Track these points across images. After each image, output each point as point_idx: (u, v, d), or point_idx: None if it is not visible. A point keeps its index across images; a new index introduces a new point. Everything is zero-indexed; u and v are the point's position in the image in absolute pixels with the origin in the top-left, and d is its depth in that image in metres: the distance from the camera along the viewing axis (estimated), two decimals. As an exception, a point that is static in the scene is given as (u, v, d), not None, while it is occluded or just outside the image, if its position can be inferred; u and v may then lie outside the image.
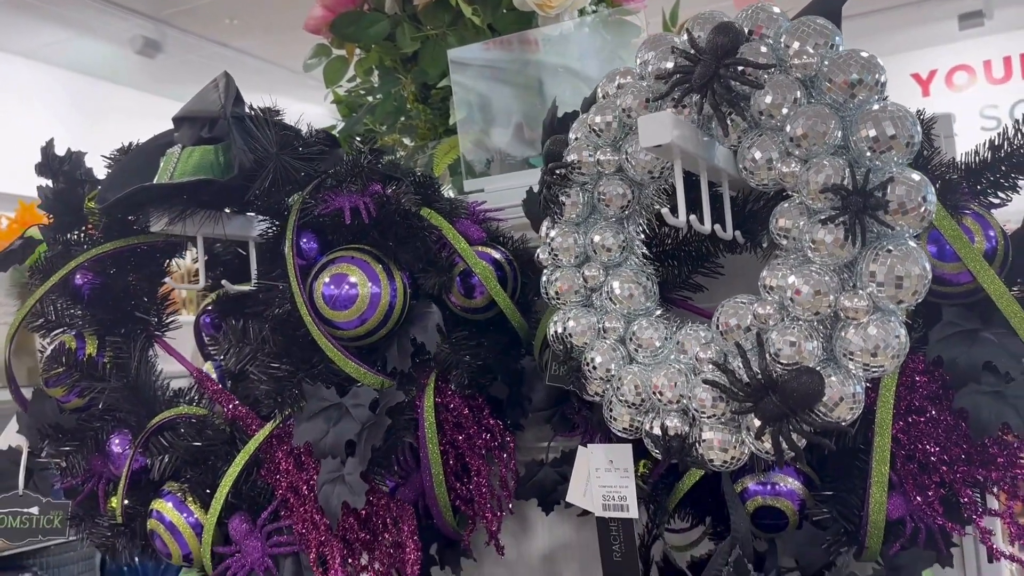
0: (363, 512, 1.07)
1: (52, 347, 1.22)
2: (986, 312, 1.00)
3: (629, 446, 1.09)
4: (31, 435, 1.25)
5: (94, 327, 1.24)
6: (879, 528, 1.03)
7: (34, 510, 1.24)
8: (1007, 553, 1.03)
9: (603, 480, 1.11)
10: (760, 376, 0.82)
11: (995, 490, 1.02)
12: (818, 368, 0.82)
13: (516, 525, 1.47)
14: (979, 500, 1.02)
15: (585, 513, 1.23)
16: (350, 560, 1.04)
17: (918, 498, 1.02)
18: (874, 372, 0.83)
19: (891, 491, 1.03)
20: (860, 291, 0.80)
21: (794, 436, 0.83)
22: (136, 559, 3.50)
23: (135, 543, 1.18)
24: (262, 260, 1.25)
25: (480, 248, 1.28)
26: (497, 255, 1.29)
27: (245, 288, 1.25)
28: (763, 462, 1.07)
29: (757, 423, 0.85)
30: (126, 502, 1.17)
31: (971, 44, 5.94)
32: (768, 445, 0.86)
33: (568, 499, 1.15)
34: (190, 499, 1.13)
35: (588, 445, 1.12)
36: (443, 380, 1.24)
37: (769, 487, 1.08)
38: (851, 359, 0.82)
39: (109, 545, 1.19)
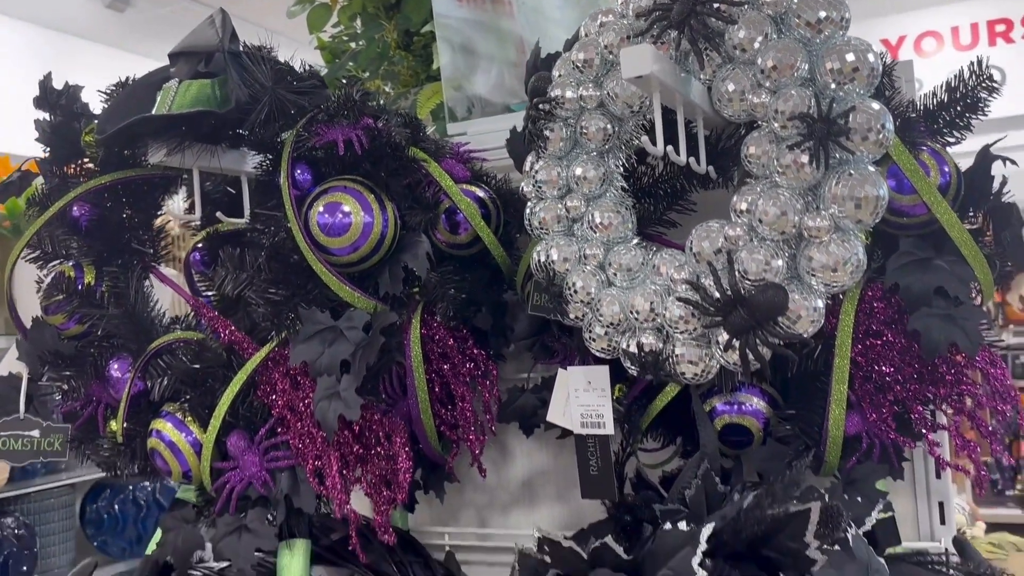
0: (357, 427, 1.13)
1: (51, 276, 1.26)
2: (939, 242, 1.08)
3: (606, 368, 1.16)
4: (31, 361, 1.29)
5: (91, 258, 1.29)
6: (837, 444, 1.11)
7: (35, 433, 1.29)
8: (953, 464, 1.12)
9: (581, 400, 1.18)
10: (729, 292, 0.89)
11: (943, 407, 1.10)
12: (783, 284, 0.89)
13: (497, 453, 1.55)
14: (929, 416, 1.11)
15: (564, 435, 1.31)
16: (345, 471, 1.10)
17: (873, 415, 1.11)
18: (834, 288, 0.91)
19: (849, 409, 1.11)
20: (823, 212, 0.87)
21: (760, 348, 0.90)
22: (116, 507, 3.57)
23: (135, 462, 1.23)
24: (253, 197, 1.30)
25: (465, 186, 1.33)
26: (481, 193, 1.34)
27: (239, 222, 1.29)
28: (731, 383, 1.15)
29: (725, 337, 0.93)
30: (126, 424, 1.22)
31: (940, 11, 6.04)
32: (735, 357, 0.94)
33: (548, 419, 1.22)
34: (189, 419, 1.18)
35: (568, 368, 1.19)
36: (429, 313, 1.30)
37: (736, 407, 1.16)
38: (813, 275, 0.89)
39: (110, 464, 1.24)
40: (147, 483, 3.57)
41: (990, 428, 1.08)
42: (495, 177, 1.40)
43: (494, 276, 1.37)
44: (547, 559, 1.06)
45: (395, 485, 1.14)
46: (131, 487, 3.53)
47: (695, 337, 0.98)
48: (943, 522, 1.25)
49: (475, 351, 1.34)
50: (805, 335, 0.92)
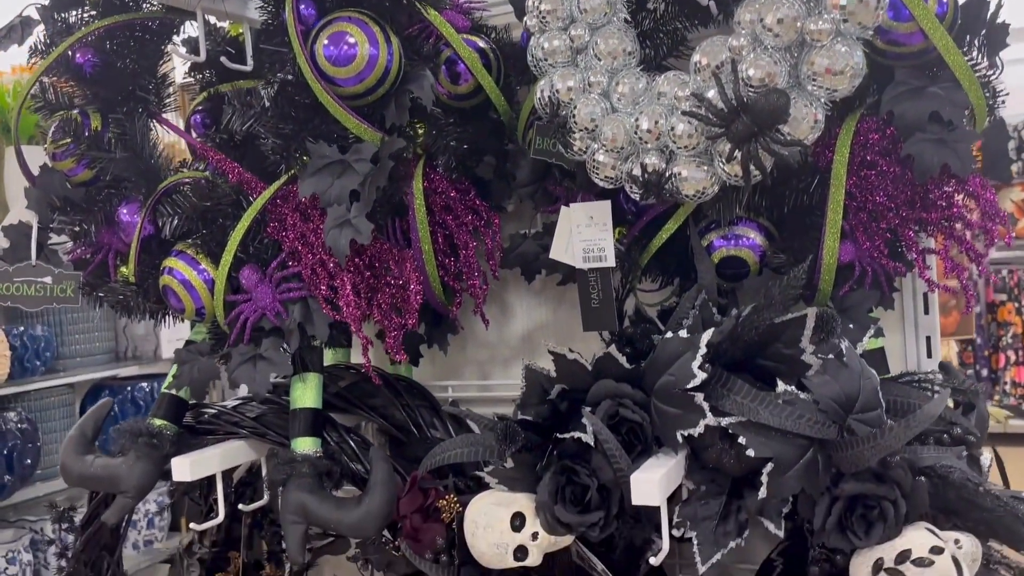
0: (367, 256, 1.16)
1: (58, 120, 1.27)
2: (934, 71, 1.10)
3: (607, 202, 1.20)
4: (40, 208, 1.31)
5: (97, 104, 1.29)
6: (831, 271, 1.15)
7: (47, 280, 1.31)
8: (941, 285, 1.16)
9: (584, 235, 1.21)
10: (733, 99, 0.91)
11: (934, 232, 1.14)
12: (785, 90, 0.92)
13: (497, 310, 1.59)
14: (920, 242, 1.15)
15: (564, 282, 1.34)
16: (358, 295, 1.13)
17: (867, 243, 1.14)
18: (834, 93, 0.93)
19: (842, 239, 1.14)
20: (825, 15, 0.89)
21: (761, 156, 0.93)
22: (116, 407, 3.62)
23: (148, 302, 1.26)
24: (256, 49, 1.30)
25: (466, 36, 1.34)
26: (482, 43, 1.35)
27: (244, 68, 1.30)
28: (728, 217, 1.19)
29: (728, 148, 0.95)
30: (137, 267, 1.25)
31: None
32: (737, 169, 0.97)
33: (551, 256, 1.25)
34: (201, 255, 1.21)
35: (570, 205, 1.22)
36: (430, 167, 1.33)
37: (732, 240, 1.20)
38: (814, 81, 0.92)
39: (124, 306, 1.27)
40: (144, 384, 3.62)
41: (978, 252, 1.12)
42: (495, 28, 1.41)
43: (495, 127, 1.39)
44: (553, 373, 1.11)
45: (406, 311, 1.17)
46: (129, 387, 3.58)
47: (697, 155, 1.00)
48: (929, 355, 1.31)
49: (477, 202, 1.37)
50: (806, 141, 0.95)
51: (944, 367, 1.22)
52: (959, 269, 1.13)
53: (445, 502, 1.19)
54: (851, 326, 1.16)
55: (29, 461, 3.06)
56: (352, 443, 1.28)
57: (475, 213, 1.37)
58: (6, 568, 2.95)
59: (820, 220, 1.16)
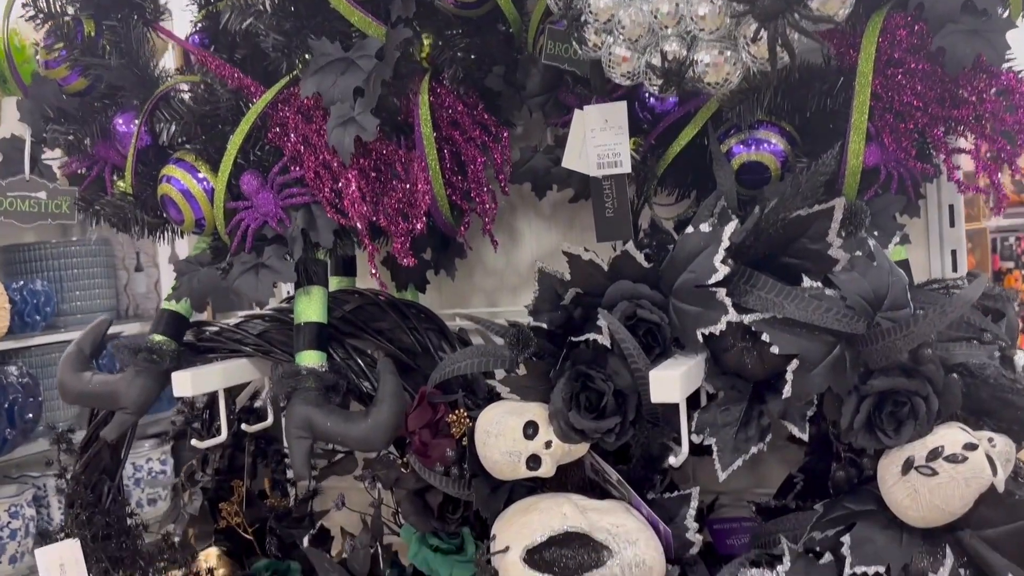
0: (373, 157, 1.12)
1: (50, 27, 1.22)
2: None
3: (623, 103, 1.15)
4: (33, 120, 1.27)
5: (90, 10, 1.24)
6: (856, 175, 1.11)
7: (42, 195, 1.27)
8: (974, 186, 1.12)
9: (598, 140, 1.16)
10: (759, -28, 0.86)
11: (963, 130, 1.09)
12: (814, -38, 0.87)
13: (506, 237, 1.54)
14: (949, 143, 1.10)
15: (576, 199, 1.30)
16: (364, 194, 1.09)
17: (893, 145, 1.10)
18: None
19: (868, 142, 1.10)
20: None
21: (789, 34, 0.88)
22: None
23: (147, 214, 1.22)
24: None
25: (474, -61, 1.29)
26: (491, -53, 1.30)
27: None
28: (749, 121, 1.14)
29: (754, 27, 0.90)
30: (134, 178, 1.21)
31: None
32: (764, 50, 0.92)
33: (564, 164, 1.20)
34: (200, 162, 1.17)
35: (584, 107, 1.17)
36: (437, 82, 1.27)
37: (753, 145, 1.15)
38: (845, -48, 0.87)
39: (121, 219, 1.23)
40: (147, 341, 3.59)
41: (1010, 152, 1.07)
42: (503, -67, 1.35)
43: (505, 39, 1.34)
44: (567, 276, 1.06)
45: (412, 215, 1.13)
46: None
47: (720, 38, 0.95)
48: (955, 269, 1.26)
49: (485, 117, 1.32)
50: (836, 18, 0.90)
51: (972, 274, 1.17)
52: (991, 169, 1.08)
53: (455, 417, 1.15)
54: (876, 233, 1.12)
55: (31, 416, 3.04)
56: (359, 360, 1.24)
57: (483, 128, 1.32)
58: (8, 523, 2.93)
59: (844, 124, 1.11)
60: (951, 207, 1.26)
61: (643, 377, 0.98)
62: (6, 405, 2.95)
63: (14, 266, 3.31)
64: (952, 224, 1.26)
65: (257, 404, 1.35)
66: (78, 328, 3.41)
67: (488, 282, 1.58)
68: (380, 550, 1.23)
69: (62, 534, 1.26)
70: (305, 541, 1.39)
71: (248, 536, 1.47)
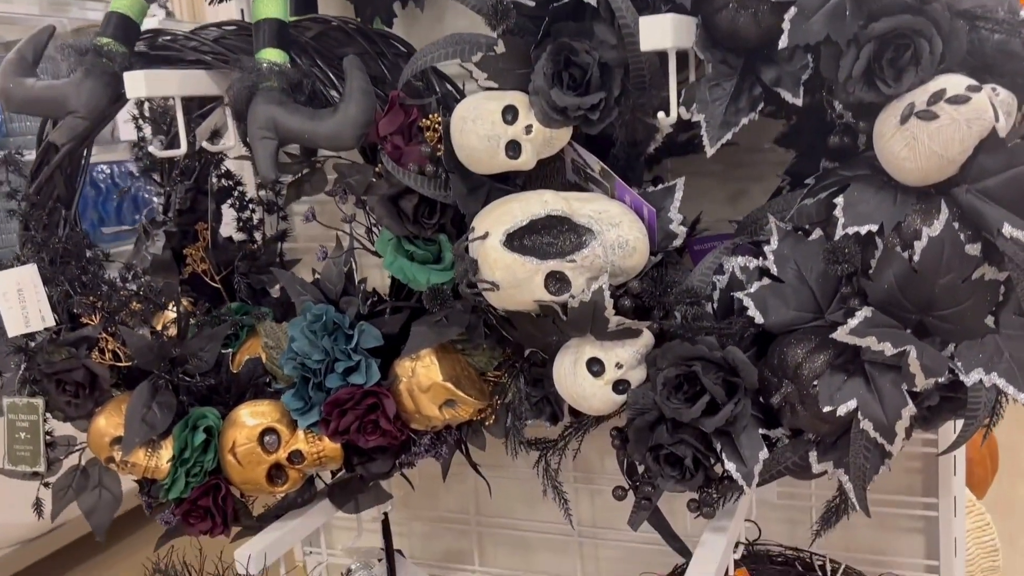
0: None
1: None
2: None
3: None
4: None
5: None
6: None
7: None
8: None
9: None
10: None
11: None
12: None
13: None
14: None
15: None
16: None
17: None
18: None
19: None
20: None
21: None
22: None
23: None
24: None
25: None
26: None
27: None
28: None
29: None
30: None
31: None
32: None
33: None
34: None
35: None
36: None
37: None
38: None
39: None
40: (104, 166, 3.47)
41: None
42: None
43: None
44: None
45: None
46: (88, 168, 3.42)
47: None
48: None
49: None
50: None
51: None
52: None
53: (428, 122, 1.09)
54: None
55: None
56: (325, 68, 1.16)
57: None
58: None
59: None
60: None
61: (632, 36, 0.92)
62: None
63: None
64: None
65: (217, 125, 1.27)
66: (31, 150, 3.27)
67: (461, 22, 1.49)
68: (354, 266, 1.19)
69: (17, 262, 1.20)
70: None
71: (215, 284, 1.43)
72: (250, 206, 1.43)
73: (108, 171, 3.49)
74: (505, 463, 1.55)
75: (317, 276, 1.22)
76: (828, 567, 1.25)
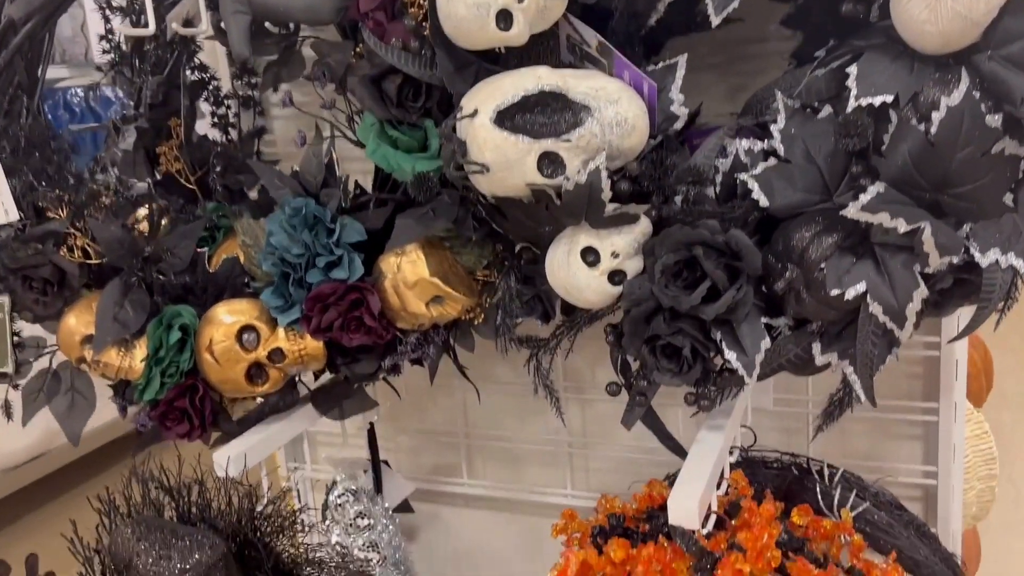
0: None
1: None
2: None
3: None
4: None
5: None
6: None
7: None
8: None
9: None
10: None
11: None
12: None
13: None
14: None
15: None
16: None
17: None
18: None
19: None
20: None
21: None
22: (49, 114, 3.38)
23: None
24: None
25: None
26: None
27: None
28: None
29: None
30: None
31: None
32: None
33: None
34: None
35: None
36: None
37: None
38: None
39: None
40: (79, 88, 3.36)
41: None
42: None
43: None
44: None
45: None
46: (60, 93, 3.31)
47: None
48: None
49: None
50: None
51: None
52: None
53: (413, -2, 1.02)
54: None
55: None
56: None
57: None
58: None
59: None
60: None
61: None
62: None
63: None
64: None
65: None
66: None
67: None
68: (334, 157, 1.13)
69: (-22, 152, 1.13)
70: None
71: (191, 185, 1.36)
72: (225, 101, 1.36)
73: (82, 94, 3.38)
74: (494, 376, 1.52)
75: (296, 170, 1.15)
76: (825, 472, 1.22)
